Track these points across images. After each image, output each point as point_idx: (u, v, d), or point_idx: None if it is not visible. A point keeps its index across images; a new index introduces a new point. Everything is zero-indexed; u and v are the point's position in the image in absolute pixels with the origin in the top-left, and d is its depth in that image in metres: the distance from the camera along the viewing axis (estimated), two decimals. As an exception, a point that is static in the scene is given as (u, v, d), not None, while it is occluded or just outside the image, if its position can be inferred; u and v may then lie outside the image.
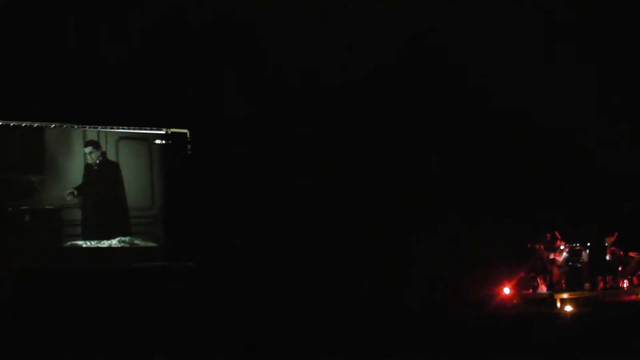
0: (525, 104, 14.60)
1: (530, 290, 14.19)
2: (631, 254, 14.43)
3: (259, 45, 13.39)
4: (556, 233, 14.45)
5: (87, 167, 12.94)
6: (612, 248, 14.32)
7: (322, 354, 9.23)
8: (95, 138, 13.00)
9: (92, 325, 10.21)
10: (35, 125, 12.54)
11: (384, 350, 9.14)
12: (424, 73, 14.26)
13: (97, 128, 13.02)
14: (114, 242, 12.97)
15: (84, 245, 12.72)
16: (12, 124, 12.37)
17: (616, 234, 14.39)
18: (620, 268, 14.47)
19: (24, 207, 12.25)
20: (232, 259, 12.49)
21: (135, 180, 13.37)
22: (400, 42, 13.77)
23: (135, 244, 13.14)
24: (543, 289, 14.11)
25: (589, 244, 14.53)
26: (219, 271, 12.39)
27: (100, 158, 13.03)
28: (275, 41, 13.19)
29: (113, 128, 13.14)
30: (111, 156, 13.14)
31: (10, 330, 9.87)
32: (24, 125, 12.45)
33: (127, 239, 13.09)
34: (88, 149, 12.95)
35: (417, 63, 14.20)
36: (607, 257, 14.35)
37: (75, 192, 12.73)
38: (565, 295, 13.47)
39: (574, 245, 14.52)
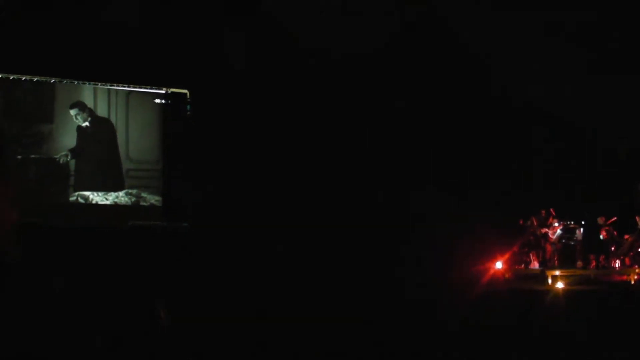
0: (524, 83, 14.53)
1: (523, 266, 14.28)
2: (626, 236, 14.46)
3: (260, 4, 13.25)
4: (551, 210, 14.49)
5: (79, 128, 12.88)
6: (607, 228, 14.35)
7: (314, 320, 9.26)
8: (81, 98, 13.00)
9: (90, 278, 10.22)
10: (35, 79, 12.50)
11: (378, 328, 9.16)
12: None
13: (97, 85, 12.97)
14: (121, 195, 13.01)
15: (90, 196, 12.83)
16: (12, 77, 12.31)
17: (615, 217, 14.41)
18: (613, 248, 14.53)
19: (32, 156, 12.32)
20: (228, 221, 12.50)
21: (136, 134, 13.39)
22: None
23: (142, 197, 13.18)
24: (535, 265, 14.20)
25: (583, 222, 14.56)
26: (213, 233, 12.40)
27: (89, 118, 12.97)
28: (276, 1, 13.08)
29: (113, 85, 13.08)
30: (103, 112, 13.13)
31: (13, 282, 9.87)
32: (23, 79, 12.49)
33: (134, 191, 13.14)
34: (74, 111, 12.90)
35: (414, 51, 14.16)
36: (601, 237, 14.40)
37: (70, 155, 12.73)
38: (557, 272, 13.53)
39: (568, 222, 14.56)
